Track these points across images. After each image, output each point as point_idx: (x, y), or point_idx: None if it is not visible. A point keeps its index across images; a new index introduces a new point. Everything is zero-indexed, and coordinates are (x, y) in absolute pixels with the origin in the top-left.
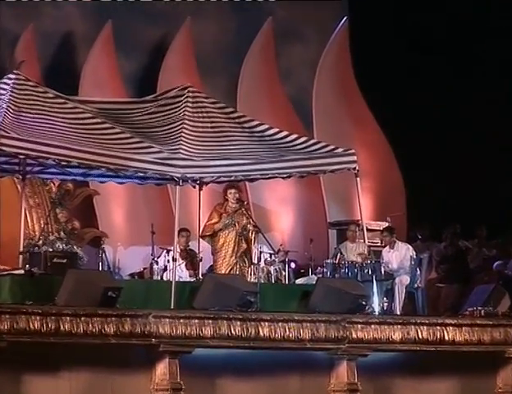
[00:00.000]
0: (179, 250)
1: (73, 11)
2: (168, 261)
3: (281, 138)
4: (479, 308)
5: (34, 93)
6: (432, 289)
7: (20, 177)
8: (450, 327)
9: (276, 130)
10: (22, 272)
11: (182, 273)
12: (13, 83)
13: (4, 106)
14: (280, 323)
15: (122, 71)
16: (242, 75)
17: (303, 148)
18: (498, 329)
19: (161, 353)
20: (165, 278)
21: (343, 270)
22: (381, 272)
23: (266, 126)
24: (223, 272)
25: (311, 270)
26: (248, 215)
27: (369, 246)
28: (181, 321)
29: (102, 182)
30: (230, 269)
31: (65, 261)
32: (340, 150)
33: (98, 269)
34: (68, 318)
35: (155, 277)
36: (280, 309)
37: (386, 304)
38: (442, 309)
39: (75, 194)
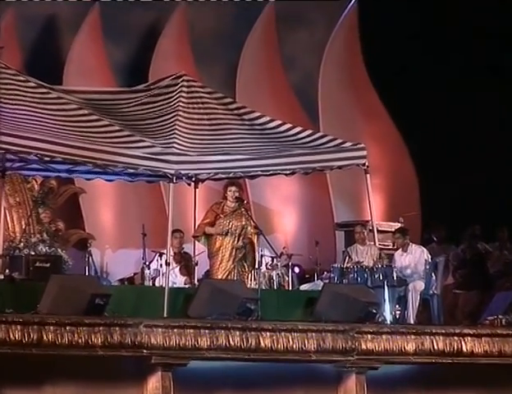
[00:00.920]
0: (172, 254)
1: None
2: (161, 265)
3: (284, 131)
4: (500, 316)
5: (14, 82)
6: (449, 296)
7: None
8: (469, 338)
9: (279, 122)
10: (1, 277)
11: (176, 279)
12: None
13: None
14: (283, 333)
15: (111, 58)
16: (241, 62)
17: (308, 143)
18: None
19: (153, 366)
20: (157, 284)
21: (351, 275)
22: (393, 277)
23: (267, 118)
24: (220, 277)
25: (316, 275)
26: (248, 215)
27: (380, 249)
28: (175, 331)
29: (88, 179)
30: (228, 274)
31: (48, 265)
32: (348, 144)
33: (84, 274)
34: (52, 327)
35: (146, 283)
36: (282, 317)
37: (398, 312)
38: (460, 317)
39: (59, 192)
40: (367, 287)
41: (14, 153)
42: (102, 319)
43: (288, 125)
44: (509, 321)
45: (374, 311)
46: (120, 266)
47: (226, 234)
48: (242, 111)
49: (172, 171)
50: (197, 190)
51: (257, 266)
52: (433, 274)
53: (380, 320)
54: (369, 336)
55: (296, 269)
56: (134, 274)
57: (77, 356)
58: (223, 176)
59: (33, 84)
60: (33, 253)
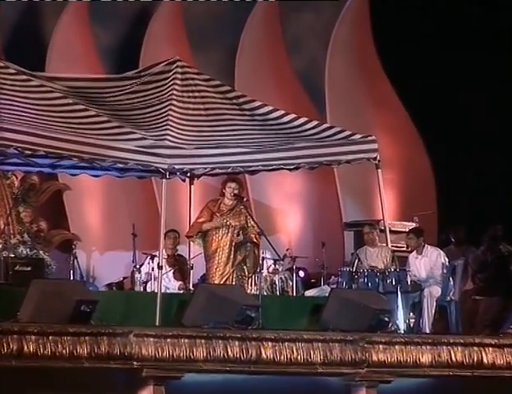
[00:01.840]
0: (165, 256)
1: None
2: (153, 269)
3: (288, 122)
4: None
5: None
6: (468, 302)
7: None
8: (490, 348)
9: (282, 112)
10: None
11: (169, 283)
12: None
13: None
14: (286, 343)
15: (98, 42)
16: (241, 47)
17: (313, 134)
18: None
19: (144, 379)
20: (149, 289)
21: (361, 280)
22: (407, 282)
23: (269, 108)
24: (218, 282)
25: (323, 280)
26: (247, 214)
27: (393, 251)
28: (168, 341)
29: (73, 175)
30: (226, 279)
31: (29, 269)
32: (357, 136)
33: (68, 279)
34: (33, 337)
35: (137, 289)
36: (286, 326)
37: (412, 320)
38: (480, 326)
39: (41, 189)
40: (378, 293)
41: None
42: (89, 328)
43: (292, 116)
44: None
45: (386, 319)
46: (108, 270)
47: (227, 227)
48: (242, 100)
49: (165, 166)
50: (192, 186)
51: (258, 270)
52: (451, 279)
53: (392, 329)
54: (381, 346)
55: (301, 273)
56: (124, 278)
57: (61, 368)
58: (221, 171)
59: (12, 71)
60: (12, 255)
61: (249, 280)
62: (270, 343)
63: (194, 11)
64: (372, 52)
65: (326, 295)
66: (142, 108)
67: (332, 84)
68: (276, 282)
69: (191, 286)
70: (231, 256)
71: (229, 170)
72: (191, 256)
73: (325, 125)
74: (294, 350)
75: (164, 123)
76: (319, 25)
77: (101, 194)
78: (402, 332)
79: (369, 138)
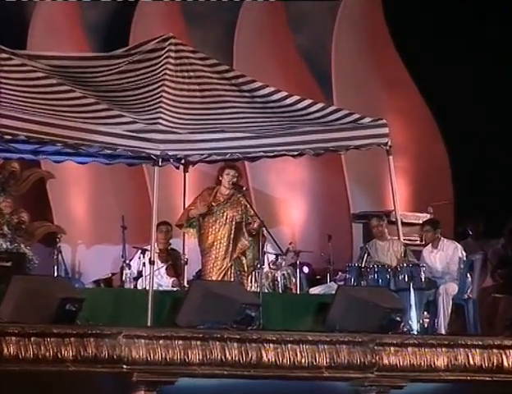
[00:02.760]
0: (158, 250)
1: None
2: (144, 264)
3: (291, 104)
4: None
5: None
6: (487, 300)
7: None
8: (511, 351)
9: (285, 94)
10: None
11: (162, 280)
12: None
13: None
14: (289, 345)
15: (84, 17)
16: (240, 23)
17: (319, 118)
18: None
19: (134, 384)
20: (139, 287)
21: (371, 276)
22: (420, 278)
23: (271, 89)
24: (215, 278)
25: (329, 276)
26: (247, 204)
27: (405, 245)
28: (161, 342)
29: (57, 162)
30: (224, 275)
31: (9, 264)
32: (367, 120)
33: (52, 275)
34: (14, 338)
35: (127, 286)
36: (289, 326)
37: (426, 320)
38: (500, 326)
39: (22, 177)
40: (389, 291)
41: None
42: (74, 329)
43: (295, 98)
44: None
45: (398, 319)
46: (95, 265)
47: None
48: (241, 80)
49: (157, 152)
50: (187, 174)
51: (258, 265)
52: (469, 275)
53: (405, 330)
54: (392, 348)
55: (305, 269)
56: (112, 275)
57: (44, 373)
58: (218, 157)
59: None
60: None
61: (249, 276)
62: (271, 345)
63: None
64: (383, 29)
65: (333, 292)
66: (132, 89)
67: (339, 64)
68: (279, 279)
69: (186, 283)
70: (229, 250)
71: (227, 156)
72: (185, 250)
73: (331, 108)
74: (298, 353)
75: (156, 105)
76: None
77: (87, 182)
78: (415, 332)
79: (380, 121)
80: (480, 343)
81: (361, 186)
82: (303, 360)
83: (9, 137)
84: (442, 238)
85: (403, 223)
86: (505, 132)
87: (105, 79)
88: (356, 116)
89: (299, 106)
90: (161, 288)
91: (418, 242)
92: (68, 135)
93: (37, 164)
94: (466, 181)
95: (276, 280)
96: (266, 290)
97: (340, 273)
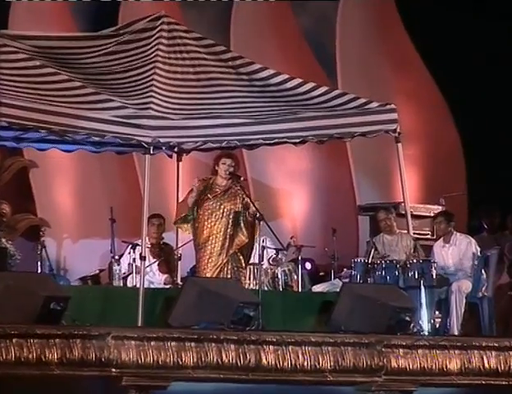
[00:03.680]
0: (149, 245)
1: None
2: (134, 260)
3: (292, 88)
4: None
5: None
6: (504, 299)
7: None
8: None
9: (286, 76)
10: None
11: (154, 277)
12: None
13: None
14: (290, 347)
15: None
16: (237, 1)
17: (322, 103)
18: None
19: (124, 388)
20: (130, 284)
21: (378, 272)
22: (431, 275)
23: (270, 72)
24: (210, 275)
25: (333, 272)
26: (245, 196)
27: (415, 239)
28: (152, 344)
29: (41, 150)
30: (220, 271)
31: None
32: (374, 105)
33: (36, 271)
34: None
35: (116, 283)
36: (290, 327)
37: (438, 320)
38: None
39: (3, 166)
40: (398, 288)
41: None
42: (59, 329)
43: (297, 81)
44: None
45: (407, 319)
46: (82, 261)
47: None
48: (238, 62)
49: (149, 140)
50: (180, 163)
51: (257, 261)
52: (483, 271)
53: (415, 330)
54: (401, 350)
55: (307, 265)
56: (100, 271)
57: (27, 376)
58: (214, 145)
59: None
60: None
61: (247, 273)
62: (271, 347)
63: None
64: (391, 7)
65: (337, 290)
66: (121, 72)
67: (344, 44)
68: (279, 276)
69: (179, 280)
70: (226, 245)
71: (223, 144)
72: (179, 245)
73: (336, 92)
74: (300, 355)
75: (147, 89)
76: None
77: (73, 172)
78: (426, 333)
79: (388, 106)
80: (496, 345)
81: (368, 176)
82: (305, 363)
83: None
84: (455, 232)
85: (413, 216)
86: None
87: (92, 60)
88: (362, 100)
89: (301, 90)
90: (152, 285)
91: (429, 236)
92: (53, 120)
93: (19, 152)
94: (481, 171)
95: (277, 277)
96: (265, 288)
97: (345, 270)
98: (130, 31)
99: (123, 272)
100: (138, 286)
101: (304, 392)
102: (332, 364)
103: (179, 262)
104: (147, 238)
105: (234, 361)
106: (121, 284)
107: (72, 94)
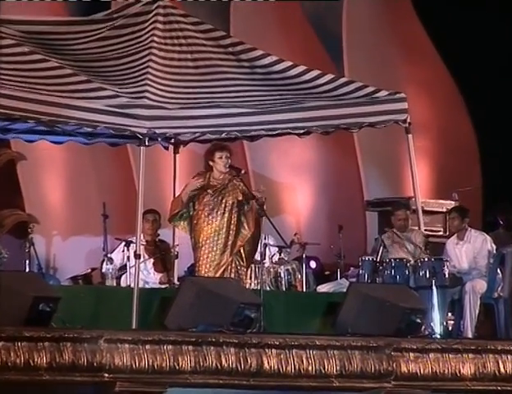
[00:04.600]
0: (144, 242)
1: None
2: (128, 258)
3: (296, 75)
4: None
5: None
6: None
7: None
8: None
9: (289, 63)
10: None
11: (149, 276)
12: None
13: None
14: (294, 351)
15: None
16: None
17: (328, 91)
18: None
19: None
20: (123, 284)
21: (388, 272)
22: (444, 274)
23: (273, 59)
24: (212, 274)
25: (340, 272)
26: (246, 188)
27: (427, 236)
28: (147, 347)
29: (30, 141)
30: (223, 271)
31: None
32: (383, 94)
33: (23, 270)
34: None
35: (108, 283)
36: (294, 329)
37: (451, 322)
38: None
39: None
40: (408, 288)
41: None
42: (49, 332)
43: (301, 68)
44: None
45: (418, 321)
46: (72, 259)
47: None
48: (239, 48)
49: (144, 131)
50: (177, 155)
51: (259, 259)
52: (499, 270)
53: (426, 333)
54: (412, 354)
55: (312, 264)
56: (92, 270)
57: (14, 382)
58: (213, 136)
59: None
60: None
61: (248, 271)
62: (274, 350)
63: None
64: None
65: (344, 290)
66: (114, 59)
67: (351, 29)
68: (282, 275)
69: (176, 280)
70: (229, 242)
71: (223, 135)
72: (176, 242)
73: (342, 80)
74: (304, 360)
75: (142, 77)
76: None
77: (64, 165)
78: (438, 336)
79: (397, 95)
80: None
81: (376, 169)
82: (309, 368)
83: None
84: (469, 228)
85: (424, 211)
86: None
87: (84, 46)
88: (370, 89)
89: (306, 77)
90: (147, 285)
91: (441, 233)
92: (42, 110)
93: (6, 144)
94: (496, 164)
95: (280, 276)
96: (267, 288)
97: (352, 269)
98: (124, 15)
99: (116, 271)
100: (132, 285)
101: None
102: (338, 368)
103: (176, 260)
104: (141, 235)
105: (234, 366)
106: (114, 284)
107: (62, 82)
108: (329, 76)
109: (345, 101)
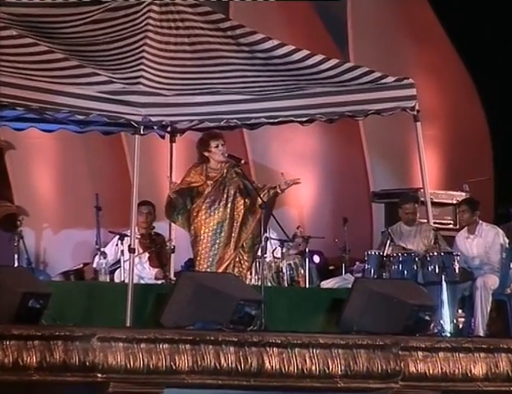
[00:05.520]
0: (139, 235)
1: None
2: (122, 252)
3: (299, 60)
4: None
5: None
6: None
7: None
8: None
9: (292, 48)
10: None
11: (144, 272)
12: None
13: None
14: (296, 350)
15: None
16: None
17: (332, 77)
18: None
19: None
20: (117, 279)
21: (395, 266)
22: (454, 269)
23: (275, 43)
24: (212, 269)
25: (345, 266)
26: (245, 178)
27: (436, 229)
28: (142, 346)
29: (18, 130)
30: (226, 266)
31: None
32: (390, 80)
33: (12, 265)
34: None
35: (102, 278)
36: (296, 327)
37: (461, 319)
38: None
39: None
40: (416, 284)
41: None
42: (39, 330)
43: (304, 53)
44: None
45: (427, 318)
46: (64, 253)
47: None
48: (239, 32)
49: (139, 118)
50: (174, 144)
51: (259, 253)
52: (511, 265)
53: (435, 331)
54: (420, 353)
55: (316, 258)
56: (85, 265)
57: (2, 382)
58: (211, 124)
59: None
60: None
61: (249, 267)
62: (275, 349)
63: None
64: None
65: (349, 286)
66: (108, 43)
67: (357, 12)
68: (284, 270)
69: (172, 275)
70: (233, 234)
71: (222, 123)
72: (172, 235)
73: (347, 65)
74: (307, 359)
75: (137, 62)
76: None
77: (54, 154)
78: (448, 334)
79: (405, 81)
80: None
81: (383, 159)
82: (313, 368)
83: None
84: (481, 222)
85: (433, 203)
86: None
87: (76, 30)
88: (377, 74)
89: (309, 62)
90: (142, 281)
91: (451, 226)
92: (31, 97)
93: None
94: (509, 154)
95: (281, 271)
96: (269, 284)
97: (357, 263)
98: None
99: (110, 265)
100: (126, 281)
101: None
102: (343, 368)
103: (172, 254)
104: (136, 228)
105: (233, 365)
106: (108, 279)
107: (53, 68)
108: (333, 61)
109: (350, 87)
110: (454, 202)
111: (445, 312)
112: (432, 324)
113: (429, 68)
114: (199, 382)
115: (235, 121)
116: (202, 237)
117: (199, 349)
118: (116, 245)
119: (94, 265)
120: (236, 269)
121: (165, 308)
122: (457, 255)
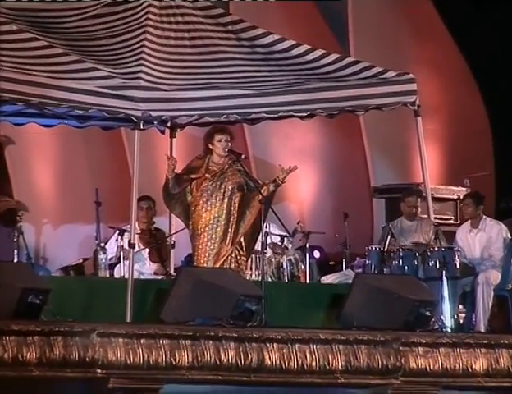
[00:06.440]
0: (139, 231)
1: None
2: (122, 247)
3: (299, 55)
4: None
5: None
6: None
7: None
8: None
9: (292, 43)
10: None
11: (144, 267)
12: None
13: None
14: (296, 345)
15: None
16: None
17: (332, 72)
18: None
19: (111, 391)
20: (117, 275)
21: (395, 262)
22: (455, 264)
23: (275, 37)
24: (211, 265)
25: (345, 262)
26: (246, 173)
27: (437, 224)
28: (142, 341)
29: (18, 125)
30: (223, 261)
31: None
32: (390, 74)
33: (12, 261)
34: None
35: (101, 273)
36: (296, 322)
37: (462, 315)
38: None
39: None
40: (417, 279)
41: None
42: (39, 325)
43: (305, 48)
44: None
45: (428, 313)
46: (63, 248)
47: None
48: (239, 26)
49: (139, 113)
50: (174, 139)
51: (260, 248)
52: None
53: (436, 327)
54: (421, 349)
55: (316, 253)
56: (84, 260)
57: (2, 378)
58: (211, 119)
59: None
60: None
61: (249, 262)
62: (276, 345)
63: None
64: None
65: (349, 281)
66: (108, 38)
67: (358, 8)
68: (284, 265)
69: (172, 271)
70: (230, 229)
71: (222, 118)
72: (173, 230)
73: (348, 60)
74: (308, 355)
75: (137, 57)
76: None
77: (54, 149)
78: (449, 330)
79: (406, 76)
80: None
81: (383, 154)
82: (313, 363)
83: None
84: (484, 217)
85: (433, 198)
86: None
87: (75, 25)
88: (377, 69)
89: (309, 57)
90: (142, 276)
91: (451, 221)
92: (31, 92)
93: None
94: (510, 149)
95: (282, 267)
96: (269, 279)
97: (357, 259)
98: None
99: (109, 261)
100: (126, 276)
101: None
102: (344, 364)
103: (172, 250)
104: (136, 223)
105: (233, 361)
106: (108, 274)
107: (53, 63)
108: (334, 56)
109: (350, 82)
110: (455, 197)
111: (446, 307)
112: (433, 320)
113: (430, 63)
114: (199, 377)
115: (235, 115)
116: (199, 232)
117: (199, 344)
118: (116, 240)
119: (96, 260)
120: (233, 265)
121: (165, 303)
122: (458, 250)
